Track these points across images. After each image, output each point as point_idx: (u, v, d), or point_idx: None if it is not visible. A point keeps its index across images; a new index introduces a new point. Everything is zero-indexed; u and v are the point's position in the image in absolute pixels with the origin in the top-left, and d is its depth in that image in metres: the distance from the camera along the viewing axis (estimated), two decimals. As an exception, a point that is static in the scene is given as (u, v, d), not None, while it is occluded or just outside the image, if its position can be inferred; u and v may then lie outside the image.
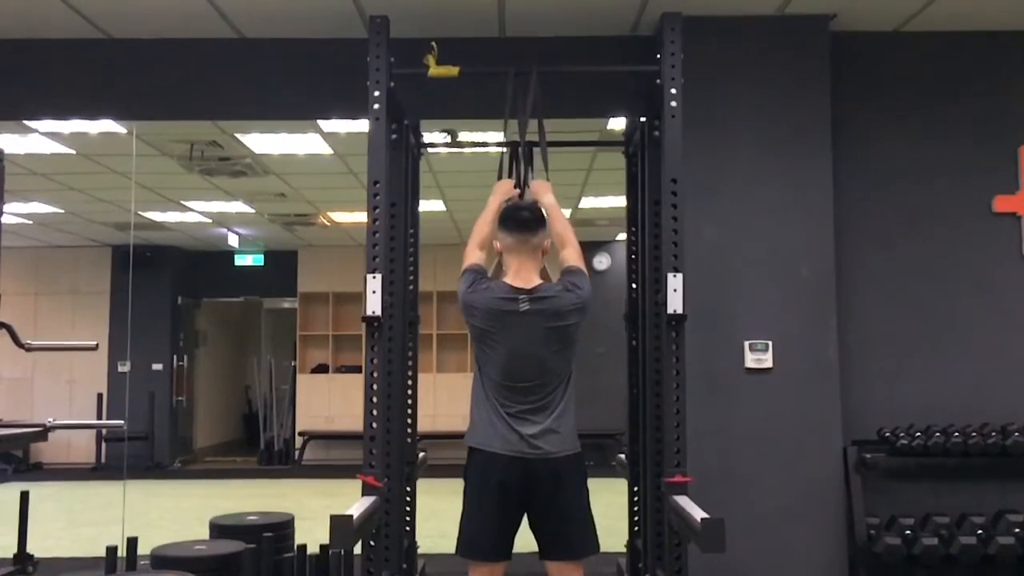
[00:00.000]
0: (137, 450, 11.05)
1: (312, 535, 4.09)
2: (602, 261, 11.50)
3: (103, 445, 11.30)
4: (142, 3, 4.13)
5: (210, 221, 9.99)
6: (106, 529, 5.98)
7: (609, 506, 3.75)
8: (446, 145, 6.03)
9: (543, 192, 3.36)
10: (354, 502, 3.17)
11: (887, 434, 4.28)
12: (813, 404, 4.20)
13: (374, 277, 3.39)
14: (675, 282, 3.41)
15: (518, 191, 3.46)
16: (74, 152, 6.77)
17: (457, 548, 3.04)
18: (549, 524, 2.99)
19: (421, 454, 4.72)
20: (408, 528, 4.34)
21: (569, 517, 2.99)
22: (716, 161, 4.28)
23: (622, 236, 10.22)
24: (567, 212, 9.22)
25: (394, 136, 3.93)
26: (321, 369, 12.35)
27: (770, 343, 4.21)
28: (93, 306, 11.49)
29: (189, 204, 9.01)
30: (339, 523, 2.86)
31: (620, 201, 5.67)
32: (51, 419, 3.55)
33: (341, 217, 9.74)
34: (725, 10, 4.26)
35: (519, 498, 2.97)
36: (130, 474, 10.24)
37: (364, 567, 3.40)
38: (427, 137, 5.00)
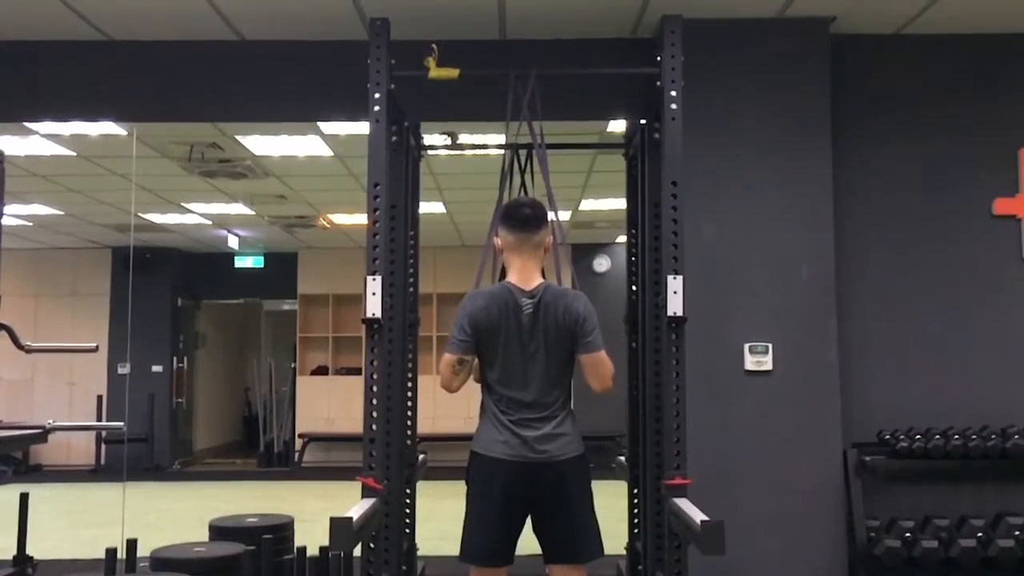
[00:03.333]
0: (137, 452, 11.06)
1: (312, 537, 4.08)
2: (602, 263, 11.51)
3: (103, 447, 11.30)
4: (142, 4, 4.13)
5: (210, 223, 9.99)
6: (106, 531, 5.96)
7: (609, 508, 3.73)
8: (446, 147, 6.03)
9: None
10: (354, 504, 3.16)
11: (887, 436, 4.28)
12: (813, 406, 4.20)
13: (374, 279, 3.39)
14: (675, 284, 3.41)
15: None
16: (74, 154, 6.78)
17: (460, 553, 3.02)
18: (554, 528, 2.97)
19: (421, 456, 4.71)
20: (408, 530, 4.33)
21: (575, 521, 2.97)
22: (716, 163, 4.28)
23: (622, 238, 10.22)
24: (567, 215, 9.22)
25: (394, 138, 3.93)
26: (321, 371, 12.35)
27: (770, 345, 4.20)
28: (93, 308, 11.49)
29: (189, 206, 9.01)
30: (339, 525, 2.86)
31: (620, 203, 5.67)
32: (51, 421, 3.53)
33: (341, 219, 9.74)
34: (725, 12, 4.26)
35: (523, 502, 2.96)
36: (130, 476, 10.23)
37: (364, 569, 3.40)
38: (427, 139, 4.99)
